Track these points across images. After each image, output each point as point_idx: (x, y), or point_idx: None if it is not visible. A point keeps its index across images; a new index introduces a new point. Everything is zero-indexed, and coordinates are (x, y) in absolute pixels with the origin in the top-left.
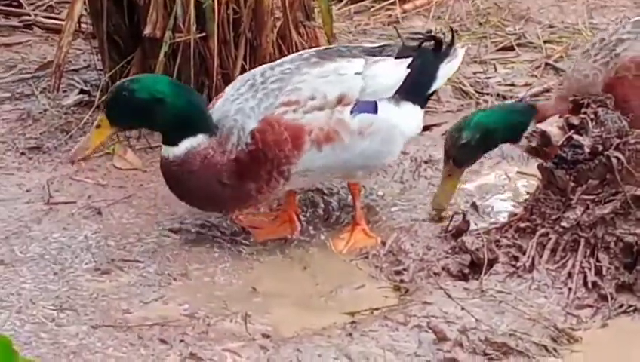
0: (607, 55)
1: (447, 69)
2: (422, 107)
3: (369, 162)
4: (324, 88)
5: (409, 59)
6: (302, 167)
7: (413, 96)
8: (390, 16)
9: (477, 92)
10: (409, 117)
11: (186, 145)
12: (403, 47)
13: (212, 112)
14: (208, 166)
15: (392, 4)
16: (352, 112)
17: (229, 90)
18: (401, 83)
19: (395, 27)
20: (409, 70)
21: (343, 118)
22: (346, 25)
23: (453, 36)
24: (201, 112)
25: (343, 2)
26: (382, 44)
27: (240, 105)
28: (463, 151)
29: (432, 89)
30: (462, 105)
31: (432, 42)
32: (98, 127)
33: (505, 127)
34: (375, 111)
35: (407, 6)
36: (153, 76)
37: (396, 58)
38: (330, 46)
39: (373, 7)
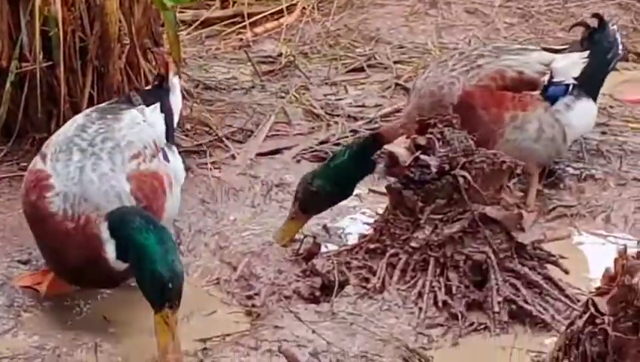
0: (467, 65)
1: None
2: None
3: None
4: None
5: None
6: None
7: None
8: (241, 40)
9: (328, 114)
10: None
11: None
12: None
13: None
14: None
15: (243, 27)
16: None
17: None
18: None
19: (245, 51)
20: None
21: None
22: (196, 49)
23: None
24: None
25: (193, 27)
26: None
27: None
28: (312, 199)
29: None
30: (313, 128)
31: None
32: None
33: (355, 171)
34: None
35: (257, 29)
36: None
37: None
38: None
39: (224, 31)
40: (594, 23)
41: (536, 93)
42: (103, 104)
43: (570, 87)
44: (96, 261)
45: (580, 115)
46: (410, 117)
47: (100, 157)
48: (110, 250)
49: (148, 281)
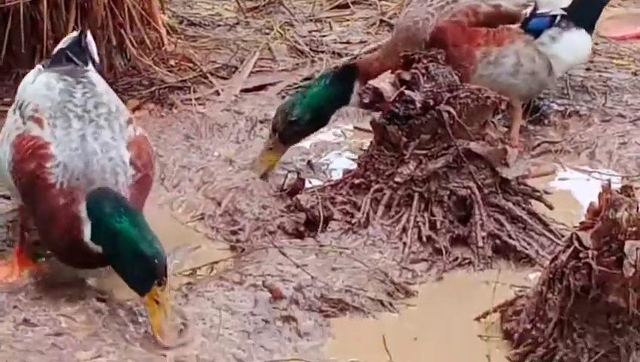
0: (445, 0)
1: None
2: None
3: None
4: None
5: None
6: None
7: None
8: None
9: (312, 50)
10: None
11: None
12: None
13: None
14: None
15: None
16: None
17: None
18: None
19: None
20: None
21: None
22: None
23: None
24: None
25: None
26: None
27: None
28: (291, 129)
29: None
30: (297, 64)
31: None
32: None
33: (332, 100)
34: None
35: None
36: None
37: None
38: None
39: None
40: None
41: (515, 26)
42: (47, 62)
43: (558, 19)
44: (73, 240)
45: (569, 46)
46: (386, 51)
47: (99, 125)
48: (86, 231)
49: (131, 264)
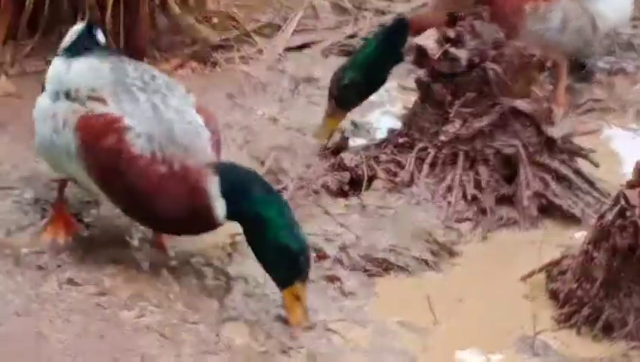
0: None
1: None
2: None
3: None
4: None
5: None
6: None
7: None
8: None
9: (355, 7)
10: None
11: None
12: None
13: None
14: None
15: None
16: None
17: None
18: None
19: None
20: None
21: None
22: None
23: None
24: None
25: None
26: None
27: None
28: (346, 92)
29: None
30: (340, 22)
31: None
32: None
33: (385, 58)
34: None
35: None
36: None
37: None
38: None
39: None
40: None
41: None
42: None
43: None
44: (198, 215)
45: (612, 4)
46: (437, 8)
47: (164, 94)
48: (220, 208)
49: (276, 257)
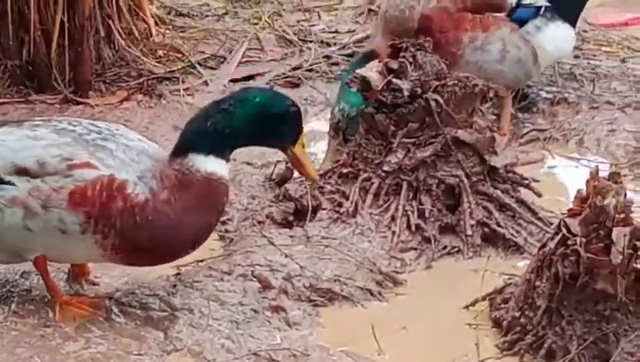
0: None
1: None
2: None
3: None
4: None
5: None
6: None
7: None
8: None
9: (300, 40)
10: None
11: None
12: None
13: None
14: None
15: None
16: None
17: None
18: None
19: None
20: None
21: None
22: None
23: None
24: None
25: None
26: None
27: None
28: (352, 123)
29: None
30: (285, 54)
31: None
32: None
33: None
34: None
35: None
36: None
37: None
38: None
39: None
40: None
41: (501, 14)
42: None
43: (542, 10)
44: (220, 196)
45: (553, 37)
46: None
47: (120, 134)
48: (222, 166)
49: (277, 122)
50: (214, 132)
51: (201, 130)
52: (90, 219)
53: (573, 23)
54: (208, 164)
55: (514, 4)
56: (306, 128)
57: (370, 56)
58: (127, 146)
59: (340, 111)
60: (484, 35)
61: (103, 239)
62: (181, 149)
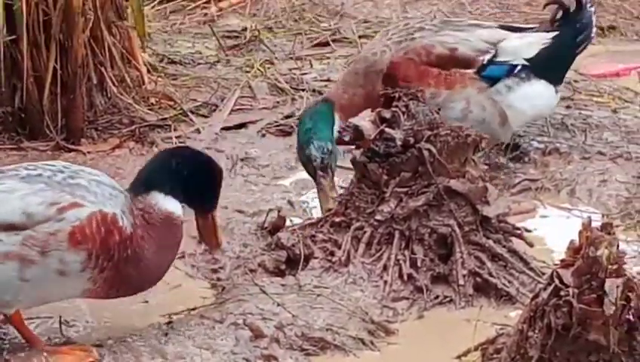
0: (403, 36)
1: None
2: None
3: None
4: None
5: None
6: None
7: None
8: (206, 14)
9: (292, 88)
10: None
11: None
12: None
13: None
14: None
15: (208, 2)
16: None
17: None
18: None
19: (210, 25)
20: None
21: None
22: (161, 24)
23: None
24: None
25: (158, 1)
26: None
27: None
28: (328, 157)
29: None
30: (278, 102)
31: None
32: None
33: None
34: None
35: (222, 4)
36: None
37: None
38: None
39: (189, 5)
40: (571, 2)
41: (470, 71)
42: None
43: (518, 68)
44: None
45: (526, 97)
46: (346, 82)
47: (86, 171)
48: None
49: (199, 186)
50: (177, 173)
51: (164, 169)
52: (91, 256)
53: (556, 82)
54: (168, 203)
55: (485, 61)
56: (295, 177)
57: (326, 101)
58: (97, 181)
59: (318, 149)
60: (447, 92)
61: (99, 273)
62: (142, 186)
